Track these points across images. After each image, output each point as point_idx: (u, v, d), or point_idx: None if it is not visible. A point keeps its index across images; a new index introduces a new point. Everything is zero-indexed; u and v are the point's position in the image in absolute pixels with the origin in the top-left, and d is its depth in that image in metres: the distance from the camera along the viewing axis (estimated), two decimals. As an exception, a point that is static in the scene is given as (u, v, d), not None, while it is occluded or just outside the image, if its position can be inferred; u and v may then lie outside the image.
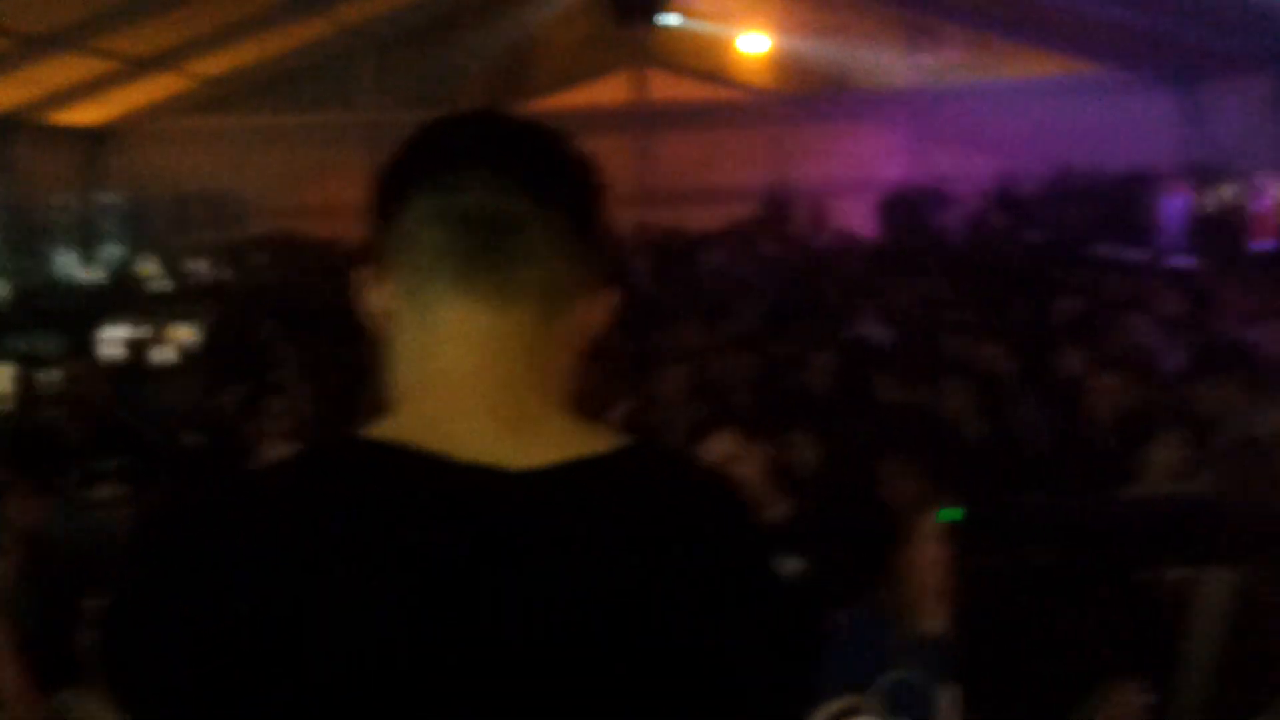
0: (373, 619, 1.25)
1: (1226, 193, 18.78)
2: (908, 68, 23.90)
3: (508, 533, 1.30)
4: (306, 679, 1.23)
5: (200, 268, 16.58)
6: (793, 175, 22.74)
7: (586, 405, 1.49)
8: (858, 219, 19.99)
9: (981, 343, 7.16)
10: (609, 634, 1.30)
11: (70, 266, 18.72)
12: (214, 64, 20.94)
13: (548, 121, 1.50)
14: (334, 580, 1.25)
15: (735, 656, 1.35)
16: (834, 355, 7.11)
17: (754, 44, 23.77)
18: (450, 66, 22.88)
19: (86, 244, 19.87)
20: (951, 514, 3.27)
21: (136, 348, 9.78)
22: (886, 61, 23.77)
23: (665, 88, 23.76)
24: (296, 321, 9.94)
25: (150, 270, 16.56)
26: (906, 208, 20.93)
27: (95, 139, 22.26)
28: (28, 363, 8.48)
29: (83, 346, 9.22)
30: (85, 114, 20.96)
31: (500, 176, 1.40)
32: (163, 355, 9.43)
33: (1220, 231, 16.51)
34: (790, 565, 3.42)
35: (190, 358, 8.55)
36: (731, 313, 9.42)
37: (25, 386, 8.09)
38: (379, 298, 1.45)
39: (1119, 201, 19.70)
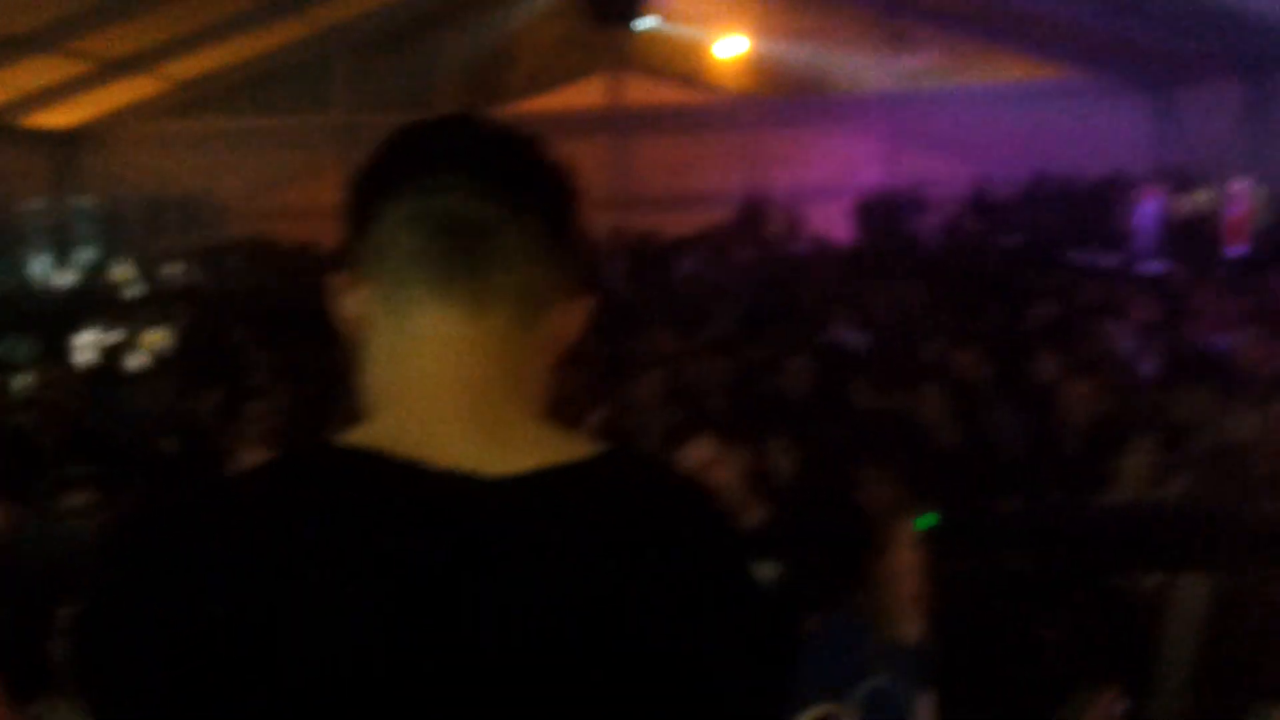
0: (347, 625, 1.24)
1: (1200, 198, 18.87)
2: (883, 73, 23.96)
3: (483, 539, 1.29)
4: (282, 685, 1.23)
5: (174, 271, 16.50)
6: (768, 180, 22.78)
7: (563, 411, 1.48)
8: (833, 224, 20.02)
9: (956, 348, 7.16)
10: (584, 641, 1.29)
11: (44, 270, 18.63)
12: (188, 66, 20.87)
13: (523, 125, 1.49)
14: (309, 586, 1.25)
15: (712, 662, 1.34)
16: (809, 360, 7.10)
17: (730, 48, 23.80)
18: (426, 69, 22.86)
19: (60, 248, 19.77)
20: (927, 520, 3.28)
21: (110, 352, 9.73)
22: (862, 66, 23.84)
23: (641, 92, 23.77)
24: (270, 326, 9.90)
25: (124, 274, 16.47)
26: (881, 212, 20.98)
27: (68, 142, 22.16)
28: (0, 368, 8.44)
29: (56, 351, 9.16)
30: (58, 117, 20.87)
31: (475, 181, 1.39)
32: (136, 360, 9.38)
33: (1194, 237, 16.59)
34: (766, 570, 3.42)
35: (164, 362, 8.50)
36: (707, 318, 9.42)
37: (-3, 391, 8.05)
38: (353, 303, 1.44)
39: (1093, 207, 19.79)
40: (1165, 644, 2.93)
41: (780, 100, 23.85)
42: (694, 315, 9.45)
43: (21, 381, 8.10)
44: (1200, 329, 8.99)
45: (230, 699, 1.23)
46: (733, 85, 24.24)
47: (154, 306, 11.76)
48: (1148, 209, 18.83)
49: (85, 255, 19.90)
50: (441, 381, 1.38)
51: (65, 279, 17.23)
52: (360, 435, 1.36)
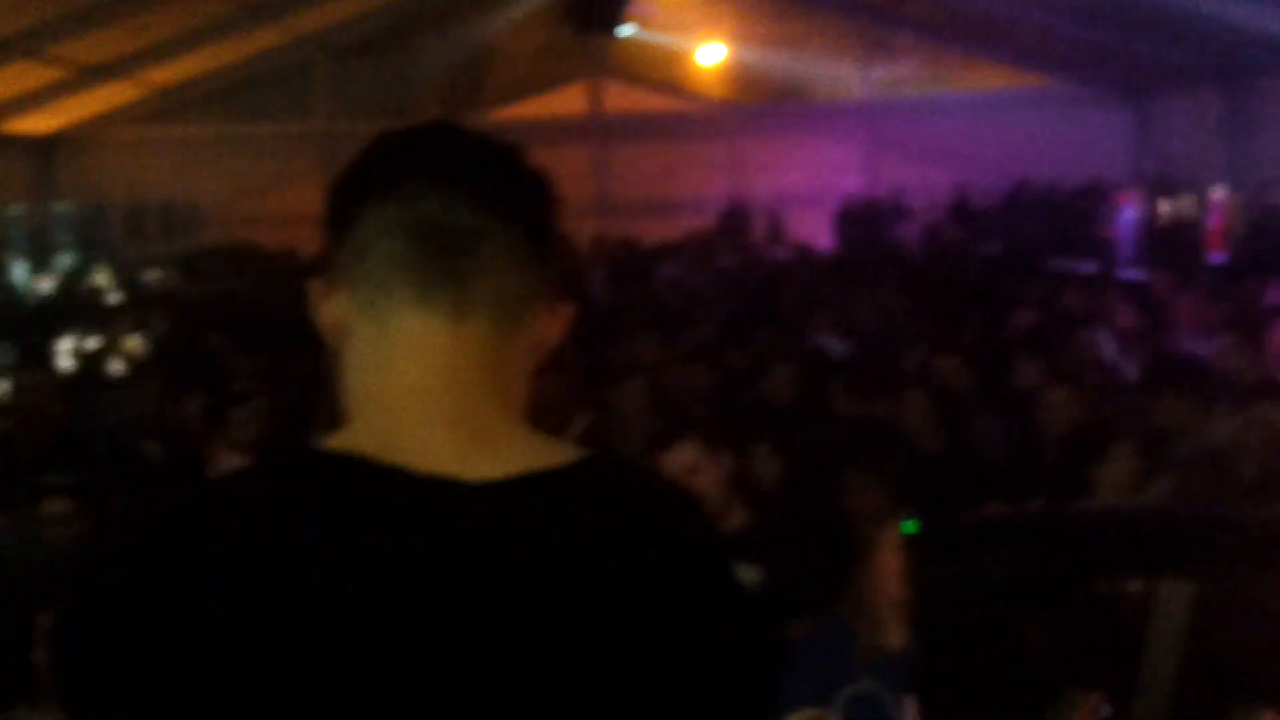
0: (330, 630, 1.24)
1: (1179, 205, 18.97)
2: (864, 81, 24.04)
3: (466, 544, 1.29)
4: (268, 688, 1.22)
5: (154, 277, 16.46)
6: (749, 187, 22.83)
7: (546, 419, 1.48)
8: (814, 231, 20.07)
9: (938, 355, 7.18)
10: (566, 645, 1.29)
11: (23, 276, 18.56)
12: (167, 73, 20.82)
13: (504, 132, 1.50)
14: (292, 591, 1.24)
15: (695, 666, 1.34)
16: (792, 367, 7.11)
17: (710, 55, 23.83)
18: (406, 77, 22.83)
19: (39, 253, 19.69)
20: (908, 526, 3.28)
21: (90, 358, 9.69)
22: (843, 74, 23.90)
23: (622, 99, 23.79)
24: (251, 332, 9.88)
25: (104, 280, 16.42)
26: (862, 220, 21.03)
27: (47, 148, 22.08)
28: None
29: (35, 357, 9.13)
30: (37, 123, 20.79)
31: (455, 189, 1.39)
32: (117, 366, 9.35)
33: (1174, 244, 16.67)
34: (748, 575, 3.41)
35: (145, 368, 8.48)
36: (688, 324, 9.42)
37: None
38: (332, 309, 1.44)
39: (1073, 214, 19.86)
40: (1148, 648, 2.93)
41: (761, 107, 23.89)
42: (676, 322, 9.44)
43: (0, 388, 8.06)
44: (1180, 335, 9.02)
45: (217, 702, 1.22)
46: (713, 93, 24.28)
47: (134, 312, 11.71)
48: (1127, 216, 18.91)
49: (65, 261, 19.82)
50: (422, 387, 1.38)
51: (45, 285, 17.16)
52: (342, 440, 1.36)
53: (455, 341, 1.38)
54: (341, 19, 21.87)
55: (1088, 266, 13.71)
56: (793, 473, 5.23)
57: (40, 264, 19.23)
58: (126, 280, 16.03)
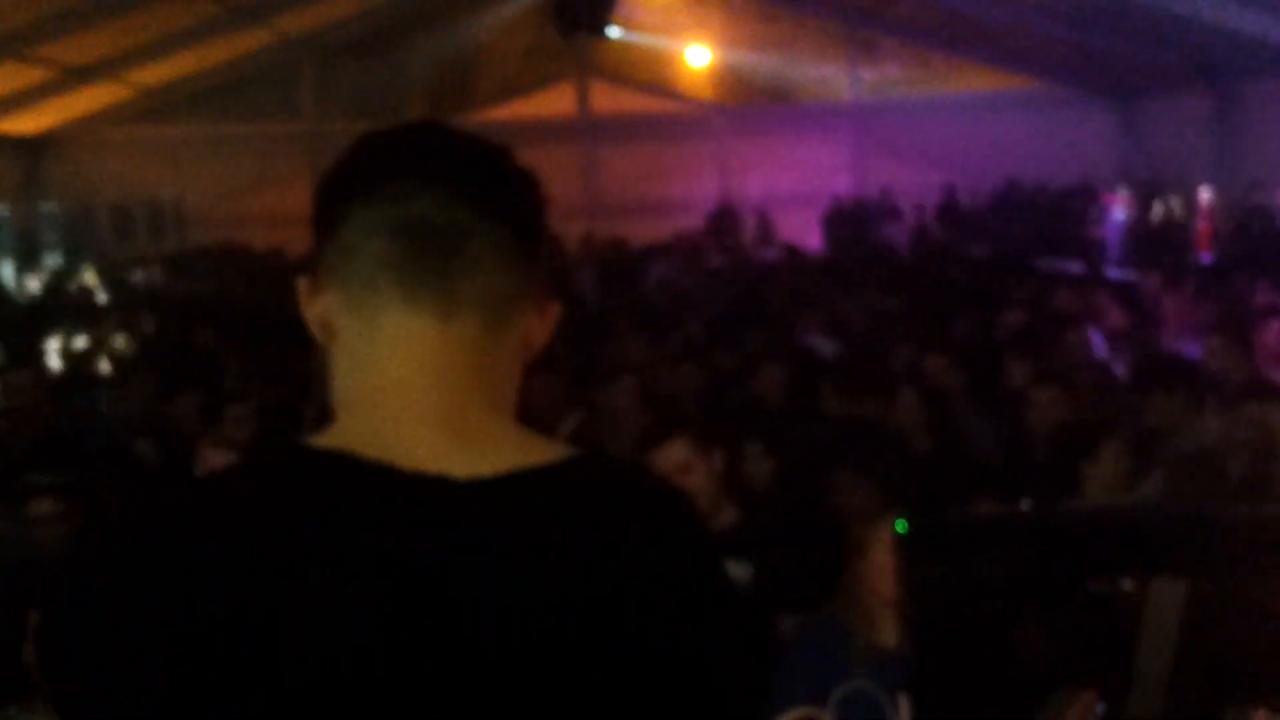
0: (318, 629, 1.24)
1: (1166, 207, 19.02)
2: (851, 82, 24.08)
3: (456, 542, 1.29)
4: (256, 690, 1.22)
5: (143, 277, 16.43)
6: (738, 187, 22.86)
7: (537, 419, 1.48)
8: (802, 231, 20.09)
9: (927, 354, 7.19)
10: (555, 643, 1.29)
11: (11, 276, 18.51)
12: (154, 73, 20.79)
13: (491, 133, 1.50)
14: (283, 590, 1.24)
15: (686, 663, 1.34)
16: (781, 367, 7.11)
17: (698, 57, 23.84)
18: (393, 77, 22.82)
19: (27, 254, 19.64)
20: (899, 526, 3.28)
21: (79, 358, 9.67)
22: (830, 76, 23.96)
23: (609, 100, 23.80)
24: (240, 331, 9.87)
25: (92, 280, 16.39)
26: (851, 220, 21.06)
27: (35, 148, 22.03)
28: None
29: (24, 357, 9.10)
30: (24, 123, 20.75)
31: (442, 188, 1.39)
32: (106, 365, 9.33)
33: (1162, 245, 16.71)
34: (737, 572, 3.41)
35: (135, 367, 8.46)
36: (678, 325, 9.42)
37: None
38: (320, 308, 1.44)
39: (1061, 215, 19.91)
40: (1141, 647, 2.94)
41: (749, 109, 23.93)
42: (665, 322, 9.44)
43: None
44: (1168, 335, 9.05)
45: (214, 702, 1.22)
46: (702, 94, 24.31)
47: (123, 312, 11.69)
48: (1115, 217, 18.96)
49: (53, 261, 19.78)
50: (410, 385, 1.38)
51: (32, 285, 17.12)
52: (330, 438, 1.36)
53: (442, 340, 1.39)
54: (329, 20, 21.85)
55: (1075, 267, 13.73)
56: (784, 472, 5.23)
57: (28, 264, 19.18)
58: (115, 280, 15.99)
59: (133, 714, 1.26)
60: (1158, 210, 19.03)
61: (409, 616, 1.26)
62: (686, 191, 22.78)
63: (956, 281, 11.97)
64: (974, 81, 23.46)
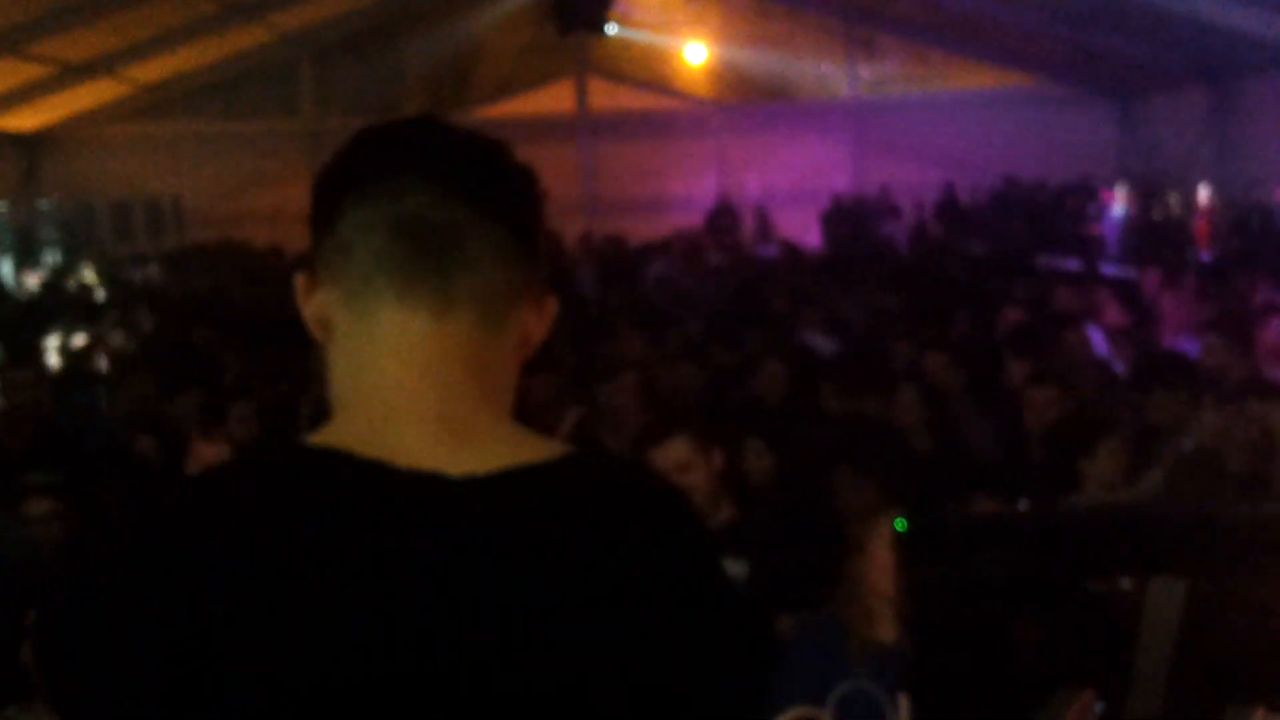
0: (312, 628, 1.23)
1: (1166, 204, 19.02)
2: (850, 80, 24.08)
3: (449, 539, 1.28)
4: (256, 689, 1.22)
5: (142, 275, 16.42)
6: (737, 185, 22.86)
7: (536, 417, 1.48)
8: (802, 229, 20.10)
9: (927, 353, 7.18)
10: (552, 642, 1.28)
11: (9, 274, 18.50)
12: (152, 70, 20.79)
13: (489, 130, 1.49)
14: (278, 589, 1.24)
15: (684, 663, 1.34)
16: (782, 365, 7.11)
17: (697, 54, 23.85)
18: (391, 74, 22.82)
19: (25, 251, 19.63)
20: (899, 524, 3.28)
21: (78, 355, 9.67)
22: (829, 73, 23.95)
23: (608, 97, 23.79)
24: (238, 329, 9.87)
25: (91, 277, 16.39)
26: (850, 218, 21.06)
27: (33, 145, 22.04)
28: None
29: (22, 354, 9.10)
30: (22, 120, 20.75)
31: (438, 185, 1.39)
32: (105, 363, 9.32)
33: (1160, 242, 16.71)
34: (734, 570, 3.41)
35: (135, 365, 8.45)
36: (677, 322, 9.41)
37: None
38: (317, 305, 1.43)
39: (1060, 212, 19.91)
40: (1140, 646, 2.94)
41: (748, 106, 23.92)
42: (664, 320, 9.44)
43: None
44: (1167, 333, 9.05)
45: (212, 701, 1.22)
46: (700, 91, 24.31)
47: (122, 309, 11.69)
48: (1114, 214, 18.96)
49: (51, 259, 19.77)
50: (406, 383, 1.37)
51: (31, 282, 17.11)
52: (325, 436, 1.35)
53: (438, 338, 1.38)
54: (327, 16, 21.86)
55: (1074, 264, 13.73)
56: (784, 470, 5.23)
57: (26, 261, 19.17)
58: (114, 278, 15.99)
59: (132, 714, 1.25)
60: (1157, 208, 19.03)
61: (404, 615, 1.25)
62: (685, 189, 22.79)
63: (956, 279, 11.97)
64: (973, 79, 23.47)
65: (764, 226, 21.32)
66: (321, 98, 23.34)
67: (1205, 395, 5.86)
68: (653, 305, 10.93)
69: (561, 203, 18.97)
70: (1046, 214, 19.85)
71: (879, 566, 3.23)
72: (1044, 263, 14.14)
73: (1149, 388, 6.14)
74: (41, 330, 10.65)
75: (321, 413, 1.42)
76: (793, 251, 15.46)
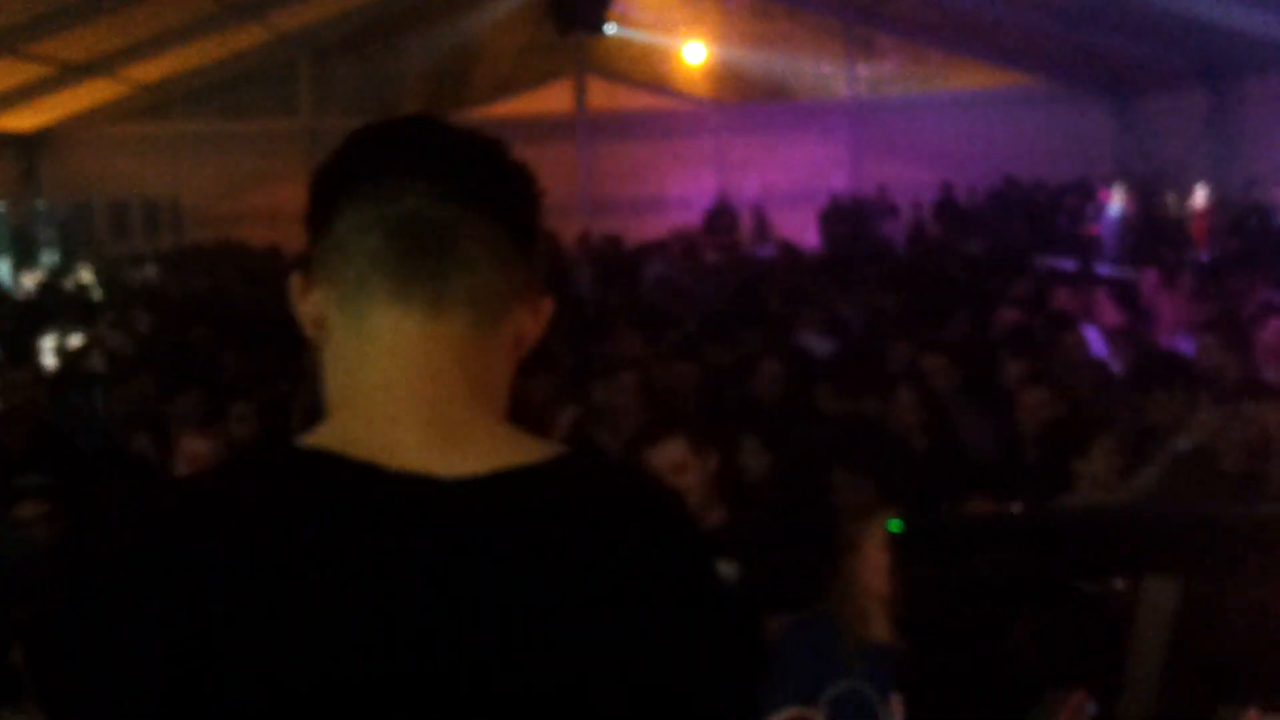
0: (294, 630, 1.23)
1: (1163, 204, 19.03)
2: (848, 79, 24.08)
3: (438, 541, 1.28)
4: (252, 691, 1.22)
5: (140, 275, 16.42)
6: (735, 184, 22.86)
7: (534, 417, 1.47)
8: (800, 229, 20.11)
9: (924, 353, 7.18)
10: (542, 644, 1.28)
11: (6, 274, 18.50)
12: (151, 70, 20.78)
13: (488, 130, 1.48)
14: (262, 590, 1.24)
15: (676, 664, 1.33)
16: (779, 364, 7.10)
17: (695, 54, 23.85)
18: (390, 74, 22.83)
19: (23, 251, 19.63)
20: (894, 524, 3.28)
21: (75, 355, 9.66)
22: (827, 73, 23.96)
23: (607, 97, 23.80)
24: (235, 329, 9.87)
25: (89, 277, 16.39)
26: (848, 217, 21.07)
27: (31, 145, 22.03)
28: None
29: (20, 355, 9.10)
30: (20, 120, 20.74)
31: (434, 184, 1.38)
32: (102, 363, 9.32)
33: (1158, 241, 16.72)
34: (726, 571, 3.41)
35: (132, 365, 8.45)
36: (675, 322, 9.41)
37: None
38: (312, 305, 1.42)
39: (1058, 211, 19.92)
40: (1133, 647, 2.94)
41: (746, 106, 23.92)
42: (662, 320, 9.44)
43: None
44: (1164, 332, 9.05)
45: (207, 703, 1.22)
46: (699, 91, 24.32)
47: (120, 310, 11.68)
48: (1111, 214, 18.97)
49: (49, 258, 19.77)
50: (399, 384, 1.37)
51: (29, 282, 17.12)
52: (318, 437, 1.35)
53: (432, 338, 1.37)
54: (325, 16, 21.86)
55: (1072, 264, 13.73)
56: (781, 469, 5.22)
57: (24, 261, 19.17)
58: (112, 278, 15.99)
59: (130, 715, 1.25)
60: (1154, 207, 19.04)
61: (397, 616, 1.25)
62: (683, 189, 22.79)
63: (954, 279, 11.96)
64: (971, 78, 23.47)
65: (762, 226, 21.33)
66: (320, 98, 23.34)
67: (1201, 395, 5.86)
68: (651, 305, 10.93)
69: (560, 202, 18.98)
70: (1045, 213, 19.85)
71: (873, 566, 3.23)
72: (1041, 263, 14.14)
73: (1148, 387, 6.14)
74: (38, 330, 10.64)
75: (315, 412, 1.42)
76: (791, 251, 15.46)
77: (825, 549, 3.38)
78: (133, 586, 1.26)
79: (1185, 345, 7.69)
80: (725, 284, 12.50)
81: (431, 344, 1.38)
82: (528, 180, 1.46)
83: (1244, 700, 2.73)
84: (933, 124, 22.59)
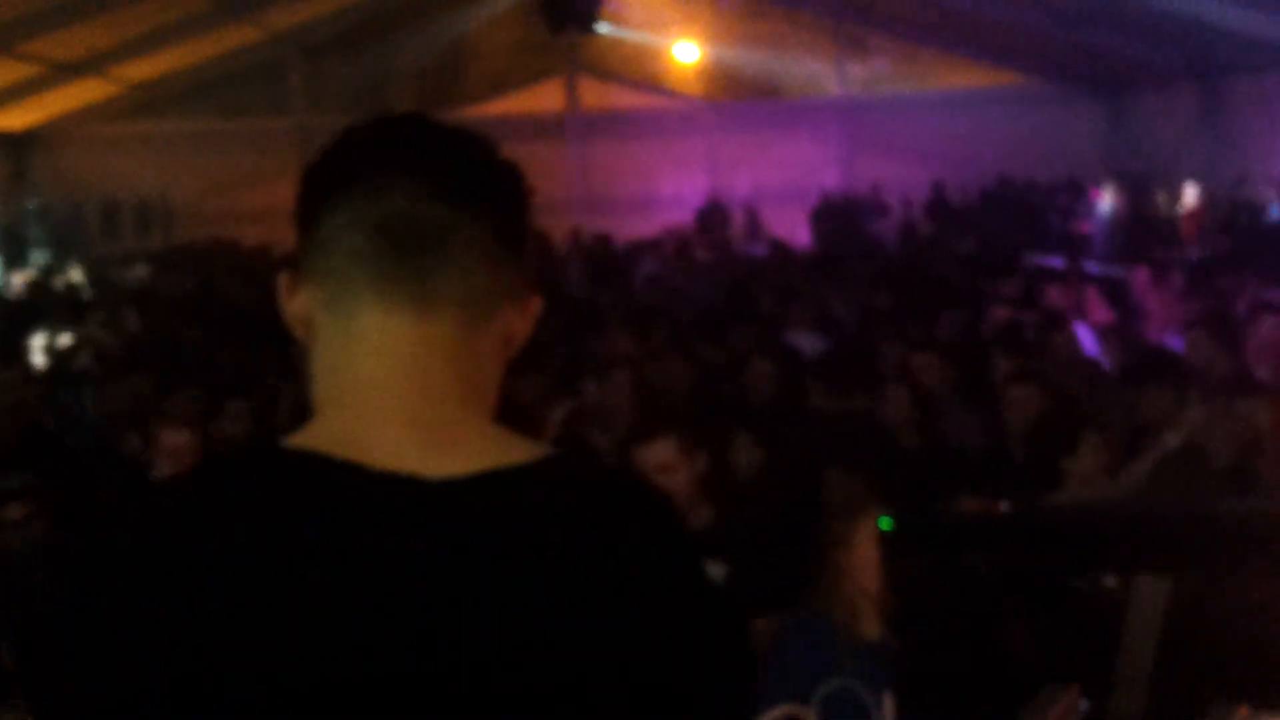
0: (293, 628, 1.23)
1: (1154, 202, 19.06)
2: (839, 78, 24.10)
3: (422, 542, 1.27)
4: (236, 690, 1.22)
5: (131, 274, 16.40)
6: (727, 183, 22.87)
7: (525, 415, 1.47)
8: (791, 227, 20.11)
9: (915, 351, 7.18)
10: (527, 647, 1.27)
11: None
12: (141, 69, 20.75)
13: (480, 128, 1.48)
14: (259, 590, 1.23)
15: (665, 665, 1.33)
16: (771, 362, 7.11)
17: (687, 53, 23.85)
18: (381, 73, 22.81)
19: (14, 250, 19.60)
20: (885, 522, 3.28)
21: (65, 354, 9.64)
22: (819, 72, 23.97)
23: (598, 96, 23.80)
24: (226, 328, 9.85)
25: (79, 276, 16.37)
26: (840, 216, 21.07)
27: (22, 144, 21.99)
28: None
29: (10, 353, 9.08)
30: (11, 119, 20.70)
31: (422, 183, 1.37)
32: (90, 362, 9.30)
33: (1148, 239, 16.75)
34: (713, 571, 3.40)
35: (123, 364, 8.43)
36: (666, 320, 9.41)
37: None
38: (299, 305, 1.42)
39: (1049, 210, 19.94)
40: (1125, 644, 2.94)
41: (738, 105, 23.93)
42: (653, 318, 9.43)
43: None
44: (1154, 329, 9.06)
45: (202, 700, 1.22)
46: (690, 90, 24.32)
47: (111, 308, 11.66)
48: (1102, 212, 18.99)
49: (40, 258, 19.74)
50: (385, 384, 1.36)
51: (19, 281, 17.09)
52: (303, 437, 1.34)
53: (418, 338, 1.37)
54: (317, 15, 21.84)
55: (1062, 262, 13.75)
56: (773, 466, 5.22)
57: (15, 260, 19.14)
58: (103, 276, 15.96)
59: (129, 716, 1.25)
60: (1145, 205, 19.07)
61: (383, 618, 1.24)
62: (675, 187, 22.79)
63: (945, 277, 11.97)
64: (962, 77, 23.48)
65: (754, 225, 21.32)
66: (311, 96, 23.31)
67: (1190, 391, 5.87)
68: (642, 304, 10.92)
69: (551, 201, 18.96)
70: (1035, 212, 19.88)
71: (864, 564, 3.23)
72: (1031, 261, 14.17)
73: (1141, 383, 6.14)
74: (28, 329, 10.61)
75: (303, 411, 1.42)
76: (782, 249, 15.46)
77: (816, 547, 3.38)
78: (125, 589, 1.26)
79: (1175, 343, 7.70)
80: (717, 282, 12.51)
81: (419, 344, 1.37)
82: (517, 179, 1.45)
83: (1235, 696, 2.74)
84: (924, 123, 22.60)
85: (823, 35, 23.99)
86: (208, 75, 22.31)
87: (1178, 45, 18.31)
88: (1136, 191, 19.28)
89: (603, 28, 21.32)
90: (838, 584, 3.23)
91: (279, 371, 7.59)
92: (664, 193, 22.64)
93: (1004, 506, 5.06)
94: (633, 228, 18.35)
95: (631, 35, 23.30)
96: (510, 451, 1.36)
